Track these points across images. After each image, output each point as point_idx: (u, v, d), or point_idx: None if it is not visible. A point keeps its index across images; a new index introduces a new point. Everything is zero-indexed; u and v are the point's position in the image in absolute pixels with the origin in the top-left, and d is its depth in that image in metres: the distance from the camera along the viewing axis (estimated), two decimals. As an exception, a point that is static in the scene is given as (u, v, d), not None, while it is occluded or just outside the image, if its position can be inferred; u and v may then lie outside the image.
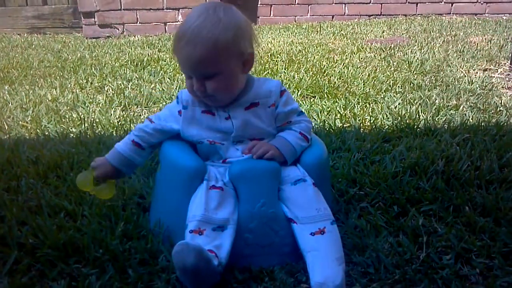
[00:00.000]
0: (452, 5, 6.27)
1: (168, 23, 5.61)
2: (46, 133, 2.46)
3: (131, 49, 4.59)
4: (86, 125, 2.53)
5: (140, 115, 2.72)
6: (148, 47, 4.66)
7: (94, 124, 2.52)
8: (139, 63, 3.92)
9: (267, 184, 1.46)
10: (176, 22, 5.59)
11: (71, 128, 2.52)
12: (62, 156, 2.07)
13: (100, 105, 2.85)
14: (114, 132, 2.44)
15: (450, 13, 6.29)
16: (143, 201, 1.75)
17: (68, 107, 2.84)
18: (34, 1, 5.78)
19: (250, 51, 1.46)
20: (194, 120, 1.54)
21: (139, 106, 2.87)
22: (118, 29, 5.55)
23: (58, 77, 3.57)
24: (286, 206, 1.45)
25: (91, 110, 2.79)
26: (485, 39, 4.53)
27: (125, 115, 2.68)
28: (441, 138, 2.28)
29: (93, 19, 5.50)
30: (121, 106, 2.83)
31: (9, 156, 2.10)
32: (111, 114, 2.68)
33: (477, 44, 4.34)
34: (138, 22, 5.58)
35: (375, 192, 1.81)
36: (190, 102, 1.54)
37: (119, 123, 2.54)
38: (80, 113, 2.72)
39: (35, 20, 5.82)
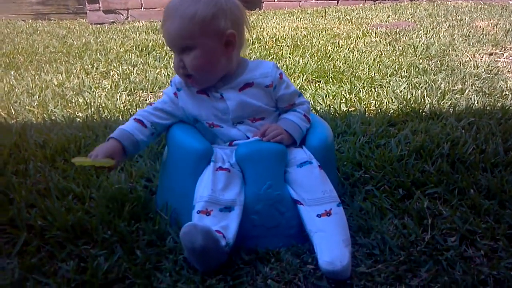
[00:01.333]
0: (458, -10, 6.24)
1: (172, 9, 5.59)
2: (53, 118, 2.47)
3: (136, 34, 4.59)
4: (92, 109, 2.54)
5: (146, 100, 2.73)
6: (153, 33, 4.66)
7: (100, 109, 2.54)
8: (144, 49, 3.93)
9: (273, 166, 1.46)
10: (180, 7, 5.57)
11: (77, 113, 2.53)
12: (69, 140, 2.09)
13: (106, 90, 2.86)
14: (120, 117, 2.45)
15: (456, -2, 6.26)
16: (150, 184, 1.76)
17: (74, 92, 2.85)
18: (39, -13, 5.79)
19: (231, 31, 1.45)
20: (191, 100, 1.55)
21: (144, 91, 2.88)
22: (123, 15, 5.54)
23: (63, 63, 3.58)
24: (292, 188, 1.45)
25: (97, 95, 2.80)
26: (491, 23, 4.51)
27: (131, 100, 2.69)
28: (446, 122, 2.28)
29: (97, 4, 5.48)
30: (127, 91, 2.84)
31: (17, 140, 2.12)
32: (117, 99, 2.69)
33: (483, 28, 4.31)
34: (142, 8, 5.56)
35: (380, 175, 1.81)
36: (183, 83, 1.55)
37: (125, 108, 2.55)
38: (86, 98, 2.73)
39: (39, 6, 5.81)
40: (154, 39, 4.29)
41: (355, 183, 1.79)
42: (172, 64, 3.01)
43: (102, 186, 1.71)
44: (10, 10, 5.80)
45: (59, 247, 1.41)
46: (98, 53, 3.82)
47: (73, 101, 2.70)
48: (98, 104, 2.61)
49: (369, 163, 1.90)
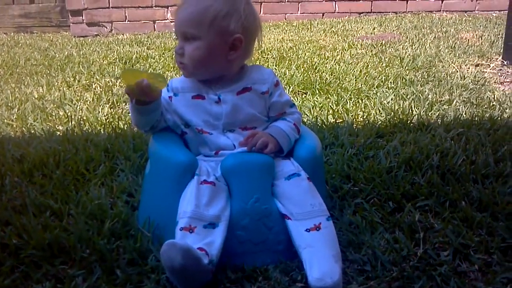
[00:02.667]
0: (442, 2, 6.26)
1: (157, 21, 5.55)
2: (32, 131, 2.40)
3: (120, 47, 4.52)
4: (73, 122, 2.47)
5: (129, 113, 2.66)
6: (137, 45, 4.60)
7: (82, 122, 2.47)
8: (128, 61, 3.87)
9: (260, 179, 1.41)
10: (165, 20, 5.54)
11: (57, 126, 2.46)
12: (48, 154, 2.01)
13: (88, 103, 2.80)
14: (102, 130, 2.38)
15: (440, 10, 6.27)
16: (132, 200, 1.70)
17: (55, 105, 2.78)
18: (21, 0, 5.69)
19: (238, 35, 1.43)
20: (185, 105, 1.51)
21: (127, 103, 2.82)
22: (106, 27, 5.48)
23: (44, 75, 3.50)
24: (280, 201, 1.41)
25: (78, 108, 2.73)
26: (476, 35, 4.52)
27: (113, 113, 2.62)
28: (435, 133, 2.25)
29: (81, 17, 5.42)
30: (109, 104, 2.78)
31: (-7, 154, 2.04)
32: (99, 112, 2.62)
33: (468, 40, 4.32)
34: (126, 20, 5.51)
35: (369, 188, 1.77)
36: (179, 89, 1.53)
37: (107, 121, 2.49)
38: (67, 111, 2.66)
39: (22, 19, 5.73)
40: (138, 51, 4.23)
41: (344, 196, 1.75)
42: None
43: (81, 201, 1.64)
44: (-8, 23, 5.73)
45: (35, 267, 1.34)
46: (80, 66, 3.75)
47: (54, 114, 2.63)
48: (79, 117, 2.54)
49: (358, 176, 1.86)
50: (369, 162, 1.97)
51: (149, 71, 1.51)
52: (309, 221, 1.35)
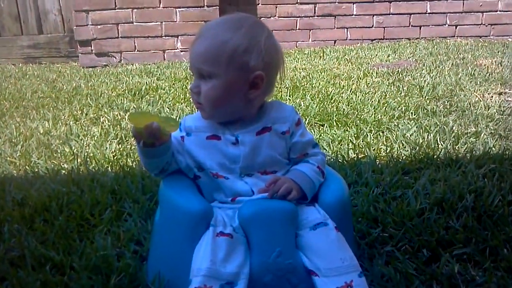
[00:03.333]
0: (456, 28, 6.14)
1: (167, 51, 5.47)
2: (36, 170, 2.27)
3: (129, 77, 4.42)
4: (79, 160, 2.34)
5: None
6: (146, 76, 4.50)
7: (88, 159, 2.34)
8: (137, 92, 3.75)
9: (283, 230, 1.27)
10: (175, 49, 5.45)
11: (62, 164, 2.33)
12: (51, 197, 1.88)
13: (95, 138, 2.67)
14: (109, 168, 2.25)
15: (454, 36, 6.15)
16: (141, 249, 1.55)
17: (61, 141, 2.65)
18: (30, 31, 5.64)
19: (259, 73, 1.29)
20: (199, 146, 1.37)
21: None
22: (116, 58, 5.40)
23: (51, 109, 3.39)
24: (305, 255, 1.26)
25: (85, 143, 2.60)
26: (494, 61, 4.38)
27: (121, 149, 2.49)
28: (465, 170, 2.09)
29: (89, 47, 5.35)
30: (117, 139, 2.65)
31: (-7, 197, 1.91)
32: (107, 148, 2.49)
33: (487, 66, 4.18)
34: (136, 50, 5.43)
35: (400, 234, 1.63)
36: (193, 128, 1.38)
37: (115, 158, 2.35)
38: (73, 147, 2.53)
39: (30, 49, 5.67)
40: (147, 82, 4.12)
41: (373, 243, 1.60)
42: (167, 109, 2.81)
43: (85, 252, 1.50)
44: (1, 54, 5.65)
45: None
46: (88, 98, 3.64)
47: (59, 151, 2.50)
48: (86, 154, 2.41)
49: (387, 219, 1.72)
50: (397, 203, 1.83)
51: (160, 114, 1.37)
52: (339, 278, 1.20)
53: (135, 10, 5.33)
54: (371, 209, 1.79)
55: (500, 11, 6.15)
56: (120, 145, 2.56)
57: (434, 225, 1.67)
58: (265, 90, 1.35)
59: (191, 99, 1.40)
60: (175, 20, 5.40)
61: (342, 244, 1.27)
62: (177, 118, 2.98)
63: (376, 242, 1.60)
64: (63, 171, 2.23)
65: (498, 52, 4.92)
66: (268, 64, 1.32)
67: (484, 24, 6.17)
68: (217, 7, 5.39)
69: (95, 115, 3.17)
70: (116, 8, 5.30)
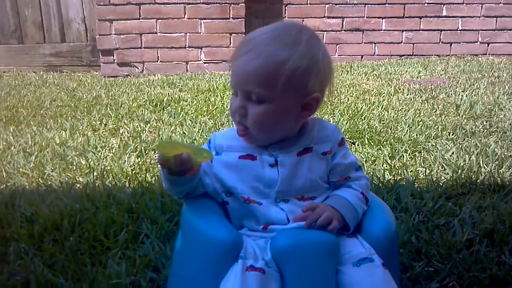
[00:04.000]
0: (488, 46, 5.94)
1: (190, 62, 5.35)
2: (49, 183, 2.13)
3: (151, 88, 4.30)
4: (95, 174, 2.19)
5: (158, 163, 2.38)
6: (169, 87, 4.37)
7: (105, 173, 2.19)
8: (159, 104, 3.61)
9: (322, 266, 1.09)
10: (198, 61, 5.33)
11: (77, 178, 2.18)
12: (63, 214, 1.73)
13: (113, 150, 2.52)
14: (126, 183, 2.10)
15: (486, 54, 5.95)
16: (158, 277, 1.39)
17: (77, 152, 2.51)
18: (52, 39, 5.57)
19: (316, 95, 1.14)
20: (229, 167, 1.20)
21: (156, 152, 2.54)
22: (138, 68, 5.29)
23: (69, 118, 3.26)
24: (347, 295, 1.08)
25: (102, 156, 2.46)
26: (532, 80, 4.17)
27: (140, 163, 2.34)
28: (514, 197, 1.91)
29: (112, 57, 5.25)
30: (137, 152, 2.50)
31: (1, 212, 1.77)
32: (125, 161, 2.35)
33: (526, 86, 3.97)
34: (158, 61, 5.32)
35: (447, 268, 1.46)
36: (224, 147, 1.22)
37: (133, 172, 2.20)
38: (90, 160, 2.39)
39: (52, 57, 5.60)
40: (169, 94, 3.99)
41: (417, 278, 1.43)
42: (189, 121, 2.63)
43: (96, 280, 1.34)
44: (23, 61, 5.59)
45: None
46: (108, 108, 3.51)
47: (75, 163, 2.36)
48: (103, 167, 2.27)
49: (431, 251, 1.54)
50: (442, 232, 1.65)
51: (192, 144, 1.21)
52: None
53: (159, 20, 5.23)
54: (412, 238, 1.62)
55: (534, 29, 5.95)
56: (139, 159, 2.41)
57: (485, 260, 1.49)
58: (315, 110, 1.20)
59: (231, 117, 1.22)
60: (199, 31, 5.29)
61: (389, 283, 1.10)
62: (199, 132, 2.83)
63: (420, 277, 1.43)
64: (78, 185, 2.09)
65: (535, 71, 4.71)
66: (323, 84, 1.18)
67: (517, 43, 5.97)
68: (243, 19, 5.26)
69: (114, 126, 3.04)
70: (141, 18, 5.20)
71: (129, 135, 2.82)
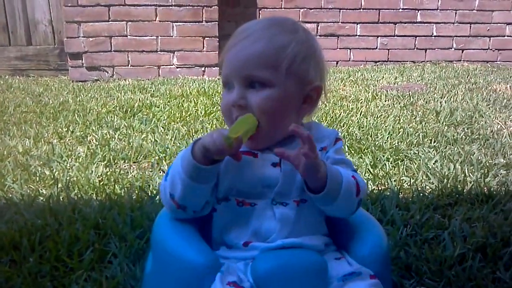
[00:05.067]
0: (462, 52, 5.94)
1: (161, 66, 5.19)
2: (9, 195, 1.97)
3: (121, 93, 4.14)
4: (59, 185, 2.04)
5: (127, 173, 2.23)
6: (140, 92, 4.22)
7: (70, 185, 2.04)
8: (129, 110, 3.46)
9: (307, 288, 0.98)
10: (170, 65, 5.18)
11: (41, 190, 2.03)
12: (22, 231, 1.58)
13: (80, 160, 2.37)
14: (93, 195, 1.96)
15: (460, 60, 5.95)
16: (127, 303, 1.26)
17: (41, 162, 2.35)
18: (18, 41, 5.35)
19: (317, 84, 1.09)
20: (230, 167, 1.08)
21: (126, 161, 2.39)
22: (108, 72, 5.12)
23: (34, 125, 3.09)
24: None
25: (68, 165, 2.30)
26: (509, 87, 4.14)
27: (108, 173, 2.19)
28: (504, 208, 1.83)
29: (80, 60, 5.06)
30: (105, 161, 2.35)
31: (-47, 230, 1.61)
32: (92, 172, 2.19)
33: (503, 92, 3.94)
34: (129, 65, 5.15)
35: (440, 286, 1.39)
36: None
37: (101, 183, 2.06)
38: (54, 170, 2.23)
39: (18, 61, 5.38)
40: (141, 99, 3.84)
41: (408, 298, 1.32)
42: (161, 128, 2.49)
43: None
44: (-14, 65, 5.38)
45: None
46: (75, 114, 3.34)
47: (38, 174, 2.19)
48: (68, 178, 2.11)
49: (421, 267, 1.45)
50: (432, 246, 1.56)
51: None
52: None
53: (130, 23, 5.06)
54: (401, 253, 1.52)
55: (508, 36, 5.97)
56: (107, 169, 2.26)
57: (479, 276, 1.41)
58: (315, 106, 1.14)
59: (223, 117, 1.12)
60: (171, 34, 5.14)
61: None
62: (172, 139, 2.70)
63: (412, 297, 1.33)
64: (41, 198, 1.94)
65: (510, 77, 4.70)
66: (323, 77, 1.13)
67: (491, 49, 5.98)
68: (216, 22, 5.14)
69: (81, 133, 2.88)
70: (110, 20, 5.02)
71: (97, 143, 2.67)
